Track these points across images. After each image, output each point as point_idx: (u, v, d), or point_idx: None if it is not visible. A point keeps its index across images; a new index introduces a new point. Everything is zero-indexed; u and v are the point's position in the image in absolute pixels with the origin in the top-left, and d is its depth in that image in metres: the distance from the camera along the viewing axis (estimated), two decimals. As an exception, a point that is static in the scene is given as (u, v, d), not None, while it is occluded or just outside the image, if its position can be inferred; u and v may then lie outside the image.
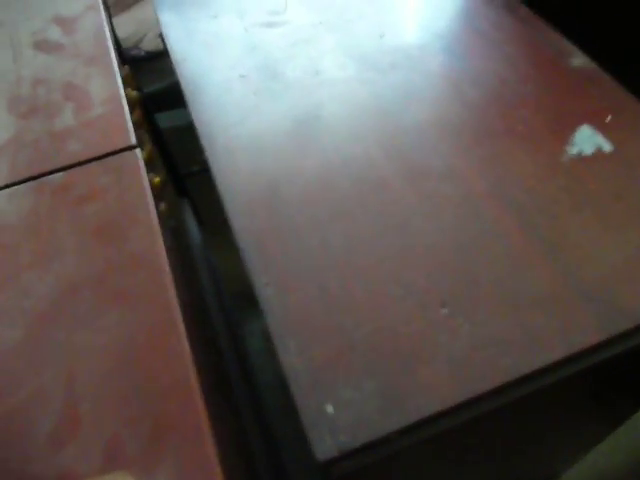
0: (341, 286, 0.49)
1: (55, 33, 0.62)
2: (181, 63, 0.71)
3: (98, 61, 0.58)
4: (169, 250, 0.43)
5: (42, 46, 0.60)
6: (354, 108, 0.64)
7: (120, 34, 1.26)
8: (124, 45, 1.29)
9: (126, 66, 0.92)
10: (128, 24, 1.22)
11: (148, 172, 0.72)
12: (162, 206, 0.68)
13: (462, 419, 0.43)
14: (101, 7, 0.64)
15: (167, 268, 0.39)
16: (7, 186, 0.46)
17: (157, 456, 0.32)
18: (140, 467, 0.31)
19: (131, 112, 0.78)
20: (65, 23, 0.63)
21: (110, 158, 0.48)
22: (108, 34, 0.60)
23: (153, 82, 1.19)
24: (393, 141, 0.60)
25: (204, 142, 0.60)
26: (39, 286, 0.39)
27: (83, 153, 0.48)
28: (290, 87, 0.67)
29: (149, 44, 1.25)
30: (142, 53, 1.21)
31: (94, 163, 0.48)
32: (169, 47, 0.74)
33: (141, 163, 0.47)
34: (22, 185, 0.47)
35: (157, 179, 0.72)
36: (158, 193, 0.71)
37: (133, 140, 0.49)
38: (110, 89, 0.55)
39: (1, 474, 0.31)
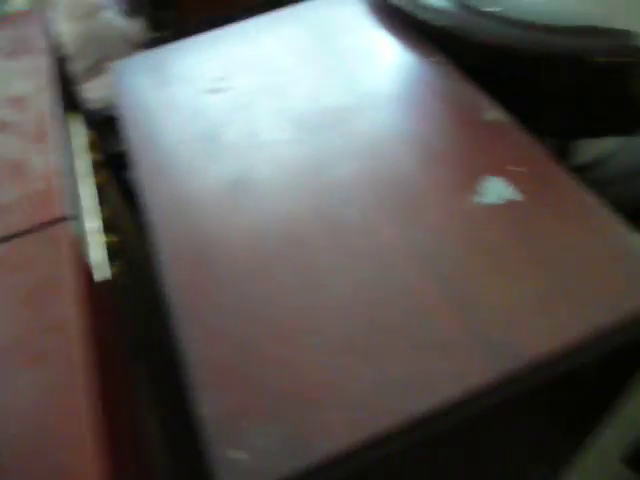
0: (257, 339, 0.53)
1: (5, 112, 0.68)
2: (131, 129, 0.77)
3: (42, 138, 0.63)
4: (99, 312, 0.48)
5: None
6: (285, 168, 0.69)
7: (93, 97, 1.33)
8: (96, 107, 1.36)
9: (92, 132, 0.99)
10: (100, 88, 1.30)
11: (107, 232, 0.77)
12: (114, 266, 0.73)
13: (367, 460, 0.47)
14: (50, 87, 0.71)
15: (81, 334, 0.44)
16: None
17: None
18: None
19: (95, 175, 0.84)
20: (15, 103, 0.69)
21: (44, 231, 0.53)
22: (55, 113, 0.66)
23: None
24: (318, 199, 0.64)
25: (145, 203, 0.65)
26: None
27: (19, 225, 0.53)
28: (227, 151, 0.72)
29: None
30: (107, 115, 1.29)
31: (31, 234, 0.53)
32: (121, 114, 0.80)
33: (70, 234, 0.52)
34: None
35: (114, 239, 0.77)
36: (116, 252, 0.76)
37: (69, 212, 0.54)
38: (51, 164, 0.60)
39: None
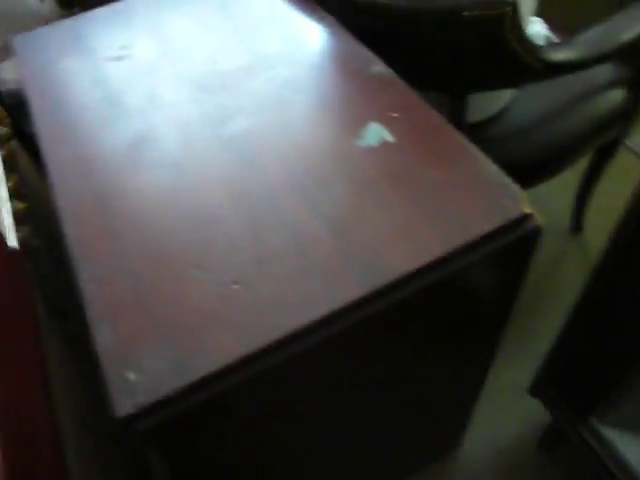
0: (151, 276, 0.57)
1: None
2: (34, 100, 0.79)
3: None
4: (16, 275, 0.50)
5: None
6: (183, 125, 0.72)
7: (7, 78, 1.32)
8: (11, 87, 1.35)
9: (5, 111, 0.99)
10: (14, 69, 1.29)
11: (14, 199, 0.79)
12: (24, 230, 0.75)
13: (245, 375, 0.51)
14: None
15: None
16: None
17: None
18: None
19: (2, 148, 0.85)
20: None
21: None
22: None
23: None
24: (213, 151, 0.68)
25: (47, 167, 0.68)
26: None
27: None
28: (128, 113, 0.75)
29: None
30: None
31: None
32: (25, 85, 0.82)
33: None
34: None
35: (22, 206, 0.79)
36: (22, 218, 0.78)
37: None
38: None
39: None
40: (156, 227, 0.61)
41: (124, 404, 0.48)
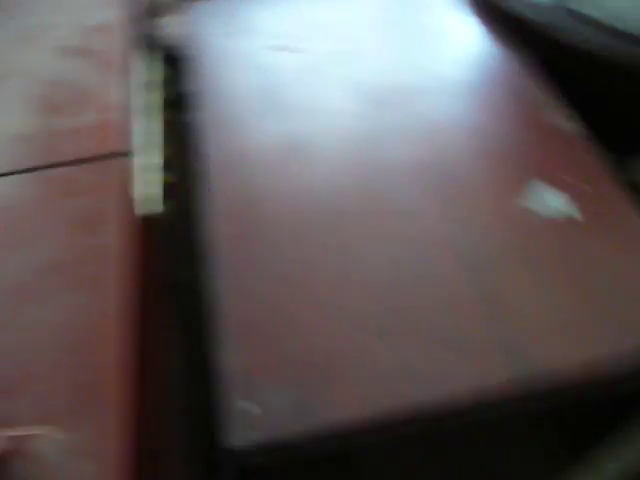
0: (286, 302, 0.54)
1: (80, 40, 0.70)
2: (196, 75, 0.78)
3: (115, 69, 0.65)
4: (142, 245, 0.50)
5: (67, 51, 0.68)
6: (341, 140, 0.69)
7: (172, 33, 1.34)
8: (174, 43, 1.37)
9: (168, 69, 1.00)
10: (179, 25, 1.30)
11: (166, 170, 0.79)
12: (166, 205, 0.75)
13: (364, 438, 0.48)
14: (131, 20, 0.72)
15: (121, 264, 0.46)
16: (12, 173, 0.54)
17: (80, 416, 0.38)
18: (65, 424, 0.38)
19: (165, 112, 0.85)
20: (95, 31, 0.71)
21: (104, 161, 0.55)
22: (132, 45, 0.68)
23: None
24: (368, 175, 0.64)
25: (200, 151, 0.67)
26: (11, 264, 0.46)
27: (80, 153, 0.56)
28: (286, 111, 0.72)
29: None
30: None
31: (88, 163, 0.55)
32: (190, 57, 0.82)
33: (130, 169, 0.54)
34: (24, 174, 0.55)
35: (171, 178, 0.80)
36: (169, 191, 0.78)
37: (128, 147, 0.56)
38: (117, 97, 0.62)
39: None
40: (299, 248, 0.58)
41: (239, 437, 0.46)
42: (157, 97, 0.89)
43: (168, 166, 0.79)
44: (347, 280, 0.55)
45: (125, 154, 0.56)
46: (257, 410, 0.48)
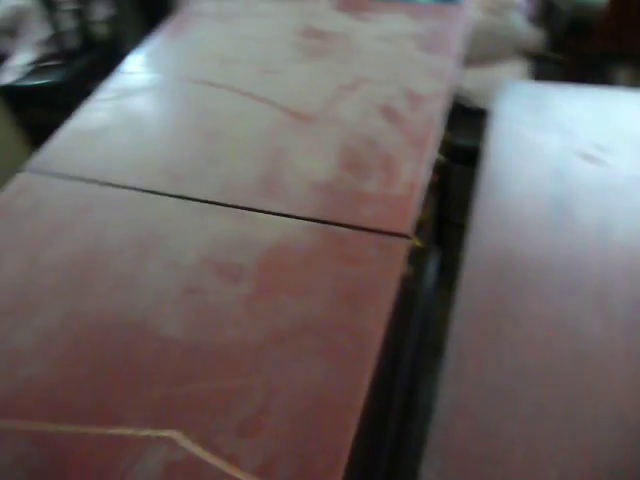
0: (501, 427, 0.51)
1: (402, 105, 0.73)
2: (490, 155, 0.77)
3: (418, 145, 0.67)
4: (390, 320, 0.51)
5: (387, 112, 0.72)
6: None
7: (466, 86, 1.36)
8: (467, 96, 1.38)
9: (447, 132, 1.02)
10: (474, 80, 1.31)
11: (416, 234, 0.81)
12: (409, 270, 0.77)
13: None
14: (446, 95, 0.74)
15: (376, 350, 0.48)
16: (304, 218, 0.60)
17: None
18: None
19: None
20: (414, 99, 0.74)
21: (385, 237, 0.57)
22: (437, 126, 0.69)
23: (466, 135, 1.27)
24: None
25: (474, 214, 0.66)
26: (289, 310, 0.51)
27: (369, 221, 0.59)
28: (572, 229, 0.67)
29: (481, 102, 1.33)
30: (473, 108, 1.30)
31: (372, 234, 0.58)
32: (488, 132, 0.81)
33: (405, 253, 0.56)
34: (314, 223, 0.59)
35: (417, 243, 0.81)
36: (411, 255, 0.80)
37: (408, 231, 0.57)
38: (416, 176, 0.63)
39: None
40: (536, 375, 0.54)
41: None
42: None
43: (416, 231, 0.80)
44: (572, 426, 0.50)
45: (408, 237, 0.57)
46: None
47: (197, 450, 0.44)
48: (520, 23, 1.32)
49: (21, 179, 0.71)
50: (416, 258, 0.74)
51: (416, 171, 0.64)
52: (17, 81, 1.65)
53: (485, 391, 0.56)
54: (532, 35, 1.32)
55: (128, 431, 0.46)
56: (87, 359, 0.51)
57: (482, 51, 1.34)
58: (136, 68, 0.87)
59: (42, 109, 0.86)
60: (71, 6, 1.71)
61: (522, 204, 0.72)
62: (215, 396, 0.47)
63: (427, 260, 1.12)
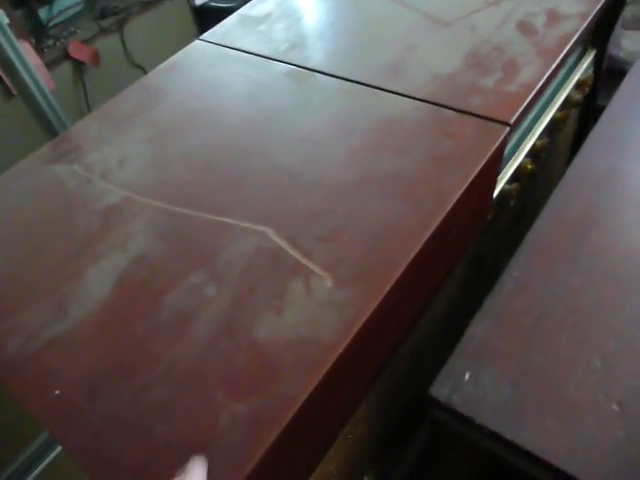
0: (559, 325, 0.54)
1: (539, 21, 0.75)
2: (619, 96, 0.76)
3: (547, 55, 0.69)
4: (467, 201, 0.56)
5: (522, 26, 0.75)
6: None
7: (628, 47, 1.29)
8: (627, 59, 1.32)
9: (591, 73, 1.00)
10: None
11: (529, 159, 0.83)
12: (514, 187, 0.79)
13: None
14: (588, 18, 0.74)
15: (450, 203, 0.53)
16: (422, 100, 0.66)
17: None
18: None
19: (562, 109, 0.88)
20: (553, 17, 0.75)
21: (488, 122, 0.62)
22: (573, 41, 0.70)
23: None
24: None
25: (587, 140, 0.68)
26: (385, 163, 0.59)
27: (476, 107, 0.63)
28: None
29: None
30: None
31: (475, 118, 0.62)
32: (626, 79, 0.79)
33: (502, 139, 0.60)
34: (426, 104, 0.65)
35: (530, 167, 0.83)
36: (524, 178, 0.82)
37: (511, 120, 0.61)
38: (536, 78, 0.66)
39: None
40: (607, 279, 0.56)
41: (440, 390, 0.51)
42: (565, 94, 0.90)
43: (534, 154, 0.82)
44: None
45: (508, 125, 0.61)
46: (471, 383, 0.51)
47: (283, 243, 0.54)
48: None
49: (194, 45, 0.85)
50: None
51: (536, 75, 0.66)
52: (207, 2, 1.86)
53: (553, 280, 0.59)
54: None
55: (232, 221, 0.57)
56: (217, 170, 0.63)
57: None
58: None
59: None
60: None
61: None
62: (307, 211, 0.56)
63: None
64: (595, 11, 0.75)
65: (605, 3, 0.79)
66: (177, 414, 0.44)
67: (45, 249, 0.59)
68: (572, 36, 0.72)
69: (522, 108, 0.63)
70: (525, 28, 0.74)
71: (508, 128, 0.61)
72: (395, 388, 0.68)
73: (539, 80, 0.66)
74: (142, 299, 0.52)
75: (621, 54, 1.28)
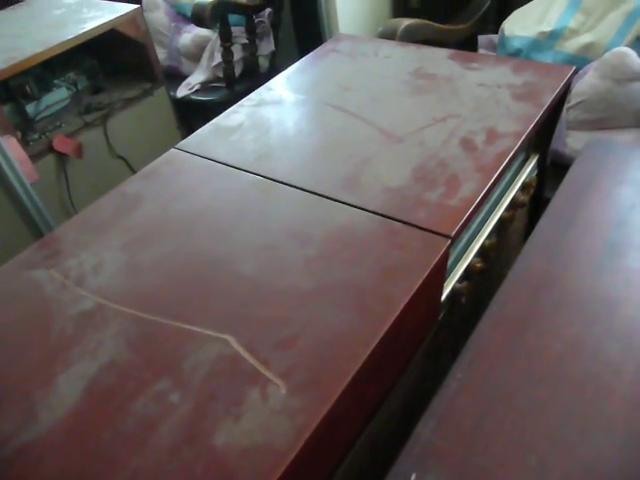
0: (499, 423, 0.59)
1: (480, 138, 0.84)
2: (561, 192, 0.85)
3: (485, 170, 0.78)
4: (411, 309, 0.62)
5: (464, 142, 0.84)
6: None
7: (573, 145, 1.41)
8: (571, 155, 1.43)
9: (535, 176, 1.09)
10: (587, 141, 1.36)
11: (479, 257, 0.90)
12: (464, 286, 0.86)
13: None
14: (523, 137, 0.83)
15: (396, 313, 0.59)
16: (370, 211, 0.73)
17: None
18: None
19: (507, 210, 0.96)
20: (492, 135, 0.85)
21: (431, 235, 0.69)
22: (509, 158, 0.79)
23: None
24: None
25: (528, 242, 0.75)
26: (338, 272, 0.65)
27: (422, 220, 0.70)
28: (618, 273, 0.73)
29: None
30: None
31: (421, 231, 0.69)
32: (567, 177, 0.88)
33: (443, 253, 0.66)
34: (377, 216, 0.72)
35: (479, 265, 0.90)
36: (474, 276, 0.89)
37: (452, 233, 0.68)
38: (474, 193, 0.74)
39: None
40: (543, 380, 0.61)
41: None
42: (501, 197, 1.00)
43: (482, 255, 0.89)
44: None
45: (449, 237, 0.68)
46: (416, 484, 0.55)
47: (241, 350, 0.59)
48: (642, 95, 1.35)
49: (170, 154, 0.93)
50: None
51: (475, 190, 0.74)
52: (188, 95, 1.99)
53: (493, 381, 0.64)
54: (653, 107, 1.34)
55: (197, 329, 0.62)
56: (185, 278, 0.68)
57: (599, 117, 1.38)
58: (275, 86, 1.07)
59: (202, 120, 1.10)
60: (243, 40, 2.03)
61: (577, 242, 0.79)
62: (266, 319, 0.62)
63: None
64: (528, 130, 0.85)
65: (539, 120, 0.89)
66: (137, 523, 0.47)
67: (19, 354, 0.63)
68: (508, 153, 0.81)
69: (462, 222, 0.70)
70: (467, 145, 0.83)
71: (449, 240, 0.68)
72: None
73: (477, 195, 0.74)
74: (109, 406, 0.56)
75: (567, 151, 1.39)
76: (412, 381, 0.83)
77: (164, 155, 0.92)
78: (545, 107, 0.90)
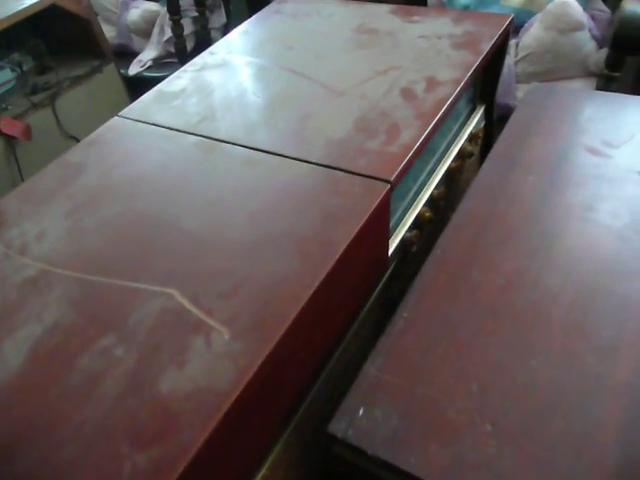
0: (442, 357, 0.61)
1: (420, 87, 0.85)
2: (504, 135, 0.86)
3: (425, 117, 0.79)
4: (353, 253, 0.63)
5: (405, 92, 0.85)
6: None
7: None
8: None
9: (482, 127, 1.11)
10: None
11: (427, 208, 0.91)
12: (413, 234, 0.87)
13: None
14: (464, 81, 0.84)
15: (336, 256, 0.60)
16: (314, 163, 0.74)
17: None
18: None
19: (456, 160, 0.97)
20: (432, 83, 0.85)
21: (372, 180, 0.69)
22: (447, 106, 0.80)
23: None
24: None
25: (472, 184, 0.76)
26: (281, 222, 0.65)
27: (362, 168, 0.71)
28: (558, 206, 0.75)
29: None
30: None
31: (361, 177, 0.70)
32: (510, 120, 0.90)
33: (383, 197, 0.67)
34: (320, 167, 0.73)
35: (428, 214, 0.91)
36: (423, 225, 0.90)
37: (391, 179, 0.69)
38: (414, 139, 0.75)
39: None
40: (484, 313, 0.63)
41: (337, 427, 0.56)
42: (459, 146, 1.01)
43: (431, 204, 0.91)
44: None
45: (389, 182, 0.69)
46: (364, 418, 0.56)
47: (186, 303, 0.59)
48: (587, 43, 1.37)
49: (113, 121, 0.91)
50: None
51: (414, 137, 0.75)
52: (140, 72, 1.95)
53: (437, 318, 0.65)
54: (598, 55, 1.37)
55: (142, 286, 0.62)
56: (129, 238, 0.68)
57: (546, 68, 1.40)
58: (218, 50, 1.06)
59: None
60: (193, 13, 1.99)
61: (520, 181, 0.81)
62: (210, 272, 0.62)
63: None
64: (467, 77, 0.86)
65: (478, 67, 0.90)
66: (85, 470, 0.47)
67: (-37, 324, 0.62)
68: (447, 99, 0.82)
69: (401, 167, 0.71)
70: (407, 94, 0.84)
71: (389, 185, 0.69)
72: (317, 429, 0.73)
73: (417, 140, 0.75)
74: (55, 364, 0.56)
75: (516, 104, 1.41)
76: (368, 331, 0.85)
77: (107, 123, 0.91)
78: (484, 54, 0.91)
